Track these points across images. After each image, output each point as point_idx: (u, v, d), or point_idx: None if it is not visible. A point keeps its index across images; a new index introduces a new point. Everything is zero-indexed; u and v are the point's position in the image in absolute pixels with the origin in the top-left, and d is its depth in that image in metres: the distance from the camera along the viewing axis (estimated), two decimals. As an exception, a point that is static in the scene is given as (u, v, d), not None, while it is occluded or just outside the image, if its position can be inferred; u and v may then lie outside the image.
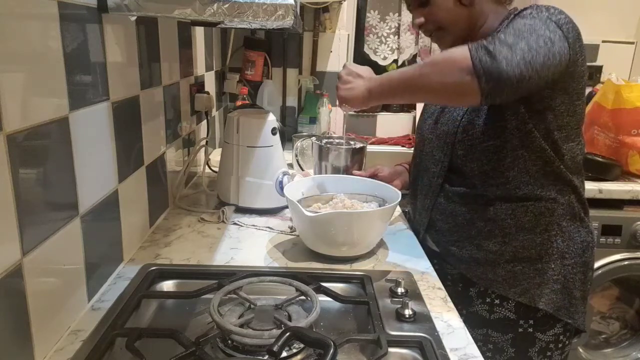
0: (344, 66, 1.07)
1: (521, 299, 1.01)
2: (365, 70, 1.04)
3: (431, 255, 1.09)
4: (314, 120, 2.15)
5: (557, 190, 0.99)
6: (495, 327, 1.04)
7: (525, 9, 0.94)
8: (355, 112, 1.10)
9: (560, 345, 1.04)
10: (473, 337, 0.78)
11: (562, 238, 1.00)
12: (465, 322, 0.83)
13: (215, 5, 0.77)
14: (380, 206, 1.08)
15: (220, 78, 2.07)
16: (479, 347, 0.76)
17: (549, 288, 1.00)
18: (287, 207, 1.30)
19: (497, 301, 1.04)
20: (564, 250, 1.01)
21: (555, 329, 1.03)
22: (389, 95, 0.99)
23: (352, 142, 1.45)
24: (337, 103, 1.08)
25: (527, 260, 1.00)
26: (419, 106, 2.20)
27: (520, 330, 1.03)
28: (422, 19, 1.05)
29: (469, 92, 0.81)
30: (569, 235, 1.01)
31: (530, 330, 1.02)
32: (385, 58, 2.34)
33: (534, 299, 1.00)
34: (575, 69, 0.92)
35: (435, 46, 2.28)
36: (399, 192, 1.08)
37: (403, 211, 1.35)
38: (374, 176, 1.27)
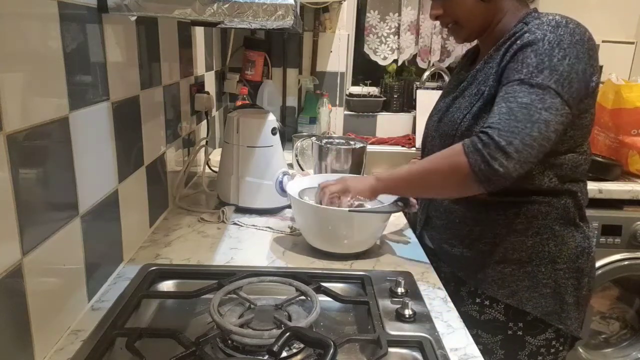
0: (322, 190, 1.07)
1: (509, 301, 1.00)
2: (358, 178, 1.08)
3: (427, 253, 1.10)
4: (314, 120, 2.15)
5: (551, 194, 0.98)
6: (485, 328, 1.04)
7: (531, 43, 0.89)
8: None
9: (552, 350, 1.03)
10: None
11: (555, 242, 0.99)
12: None
13: (215, 5, 0.77)
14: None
15: (220, 78, 2.07)
16: None
17: (538, 292, 0.99)
18: (287, 207, 1.30)
19: (487, 302, 1.03)
20: (556, 254, 0.99)
21: (547, 333, 1.01)
22: (393, 193, 1.05)
23: (352, 142, 1.45)
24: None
25: (517, 262, 1.00)
26: (419, 106, 2.20)
27: (510, 332, 1.02)
28: (440, 11, 1.03)
29: (473, 191, 0.90)
30: (562, 240, 0.99)
31: (520, 333, 1.01)
32: (385, 58, 2.34)
33: (522, 301, 0.99)
34: (586, 92, 0.92)
35: (435, 47, 2.28)
36: None
37: (403, 211, 1.34)
38: None
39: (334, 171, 1.38)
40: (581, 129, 0.96)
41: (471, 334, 0.96)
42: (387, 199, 1.10)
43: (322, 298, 0.83)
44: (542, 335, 1.01)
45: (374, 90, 2.41)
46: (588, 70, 0.90)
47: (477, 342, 1.02)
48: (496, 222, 1.00)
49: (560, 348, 1.04)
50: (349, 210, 1.00)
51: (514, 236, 0.99)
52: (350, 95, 2.32)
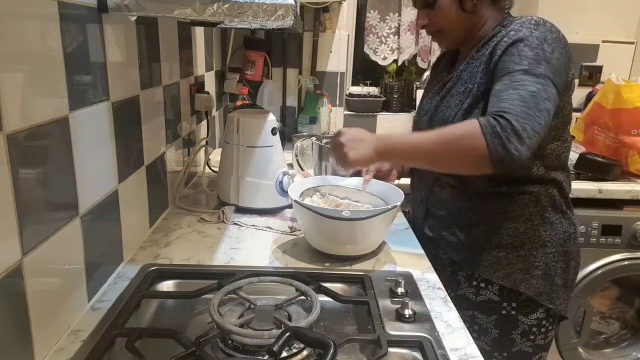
0: (339, 133, 1.02)
1: (504, 282, 1.06)
2: (363, 132, 1.01)
3: (426, 241, 1.16)
4: (314, 120, 2.15)
5: (539, 185, 1.05)
6: (480, 309, 1.10)
7: (521, 39, 0.95)
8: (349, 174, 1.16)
9: (543, 330, 1.10)
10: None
11: (544, 228, 1.06)
12: (453, 303, 0.88)
13: (215, 5, 0.77)
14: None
15: (220, 78, 2.07)
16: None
17: (530, 274, 1.06)
18: (287, 207, 1.30)
19: (482, 284, 1.09)
20: (546, 239, 1.06)
21: (538, 313, 1.08)
22: (396, 160, 1.05)
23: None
24: (338, 166, 1.05)
25: (511, 247, 1.06)
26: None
27: (504, 312, 1.08)
28: (426, 21, 1.09)
29: (481, 171, 0.91)
30: (551, 225, 1.06)
31: (513, 313, 1.08)
32: (385, 58, 2.34)
33: (515, 282, 1.06)
34: (566, 85, 1.00)
35: (435, 46, 2.28)
36: (402, 193, 1.08)
37: (403, 211, 1.35)
38: (377, 171, 1.28)
39: (334, 171, 1.37)
40: (562, 117, 1.03)
41: (467, 316, 1.00)
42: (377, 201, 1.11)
43: (322, 298, 0.83)
44: (534, 315, 1.08)
45: (374, 90, 2.41)
46: (567, 64, 0.98)
47: (474, 323, 1.11)
48: (492, 210, 1.06)
49: (550, 327, 1.11)
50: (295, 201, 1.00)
51: (508, 223, 1.06)
52: (350, 95, 2.32)
